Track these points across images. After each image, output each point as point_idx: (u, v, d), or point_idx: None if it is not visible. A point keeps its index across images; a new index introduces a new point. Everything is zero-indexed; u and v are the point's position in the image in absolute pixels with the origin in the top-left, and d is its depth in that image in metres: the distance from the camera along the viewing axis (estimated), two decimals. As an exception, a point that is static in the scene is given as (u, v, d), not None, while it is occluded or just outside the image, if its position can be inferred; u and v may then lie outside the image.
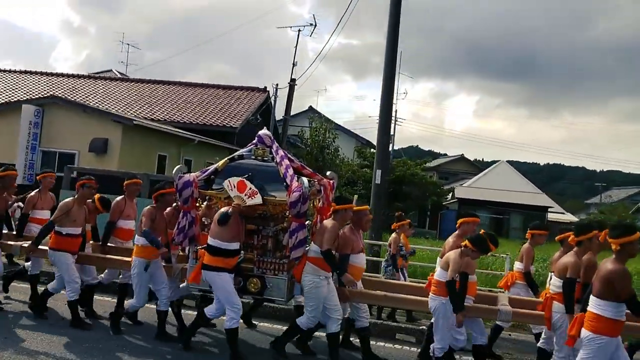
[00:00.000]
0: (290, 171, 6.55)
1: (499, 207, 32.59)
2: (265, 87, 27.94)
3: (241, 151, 7.13)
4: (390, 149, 46.89)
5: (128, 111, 24.20)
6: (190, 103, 26.40)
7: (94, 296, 7.84)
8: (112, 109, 23.72)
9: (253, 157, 6.90)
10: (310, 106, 42.21)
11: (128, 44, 38.13)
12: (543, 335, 6.51)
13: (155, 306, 7.10)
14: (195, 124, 23.89)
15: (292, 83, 18.73)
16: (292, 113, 42.87)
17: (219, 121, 24.45)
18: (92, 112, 18.35)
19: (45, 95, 20.69)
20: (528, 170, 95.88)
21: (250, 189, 6.24)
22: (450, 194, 36.25)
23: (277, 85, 24.19)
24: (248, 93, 28.08)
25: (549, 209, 35.50)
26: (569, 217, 39.03)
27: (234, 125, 23.94)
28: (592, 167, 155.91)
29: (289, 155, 7.05)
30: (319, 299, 6.39)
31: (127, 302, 7.14)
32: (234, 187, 6.29)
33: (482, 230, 6.53)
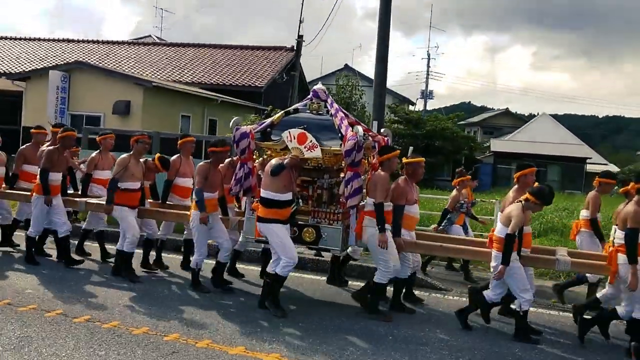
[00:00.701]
0: (345, 122, 6.52)
1: (536, 160, 31.97)
2: (293, 46, 28.10)
3: (296, 105, 7.19)
4: (424, 107, 46.81)
5: (158, 74, 24.61)
6: (218, 65, 26.51)
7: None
8: (144, 73, 24.17)
9: (308, 110, 6.91)
10: (346, 64, 42.05)
11: (162, 9, 39.61)
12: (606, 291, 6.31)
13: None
14: (221, 84, 24.08)
15: (300, 39, 18.94)
16: (327, 72, 43.22)
17: (245, 81, 24.51)
18: (115, 76, 18.97)
19: (71, 61, 21.15)
20: (585, 123, 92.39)
21: (310, 141, 6.20)
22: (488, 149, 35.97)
23: (298, 42, 24.50)
24: (275, 52, 27.80)
25: (587, 160, 34.76)
26: (612, 168, 38.03)
27: (259, 85, 24.07)
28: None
29: (344, 110, 7.02)
30: (387, 248, 6.34)
31: (192, 259, 7.22)
32: (294, 138, 6.24)
33: (536, 183, 6.35)
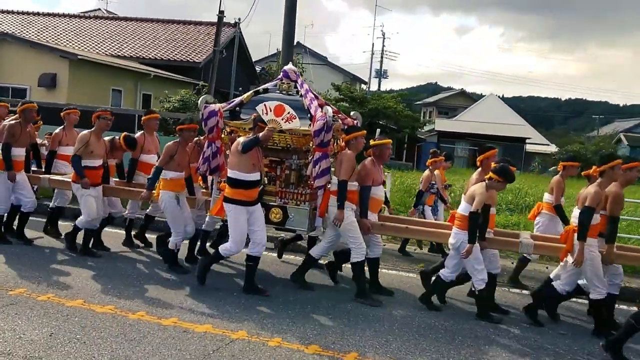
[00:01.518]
0: (315, 103, 6.43)
1: (478, 140, 32.84)
2: (236, 22, 28.26)
3: (266, 85, 7.09)
4: (376, 86, 47.11)
5: (97, 48, 23.79)
6: (158, 39, 25.72)
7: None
8: (82, 46, 23.39)
9: (278, 91, 6.79)
10: (298, 42, 42.22)
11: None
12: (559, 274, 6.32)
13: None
14: (160, 59, 23.45)
15: (221, 15, 19.11)
16: (276, 51, 43.12)
17: (184, 57, 23.84)
18: (41, 48, 18.50)
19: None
20: (548, 105, 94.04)
21: (288, 112, 6.08)
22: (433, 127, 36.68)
23: (238, 19, 24.57)
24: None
25: (527, 141, 35.79)
26: (552, 149, 39.32)
27: (197, 60, 23.50)
28: (616, 101, 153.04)
29: (314, 92, 6.96)
30: (355, 226, 6.30)
31: (171, 240, 6.93)
32: (270, 110, 6.11)
33: (493, 163, 6.29)
